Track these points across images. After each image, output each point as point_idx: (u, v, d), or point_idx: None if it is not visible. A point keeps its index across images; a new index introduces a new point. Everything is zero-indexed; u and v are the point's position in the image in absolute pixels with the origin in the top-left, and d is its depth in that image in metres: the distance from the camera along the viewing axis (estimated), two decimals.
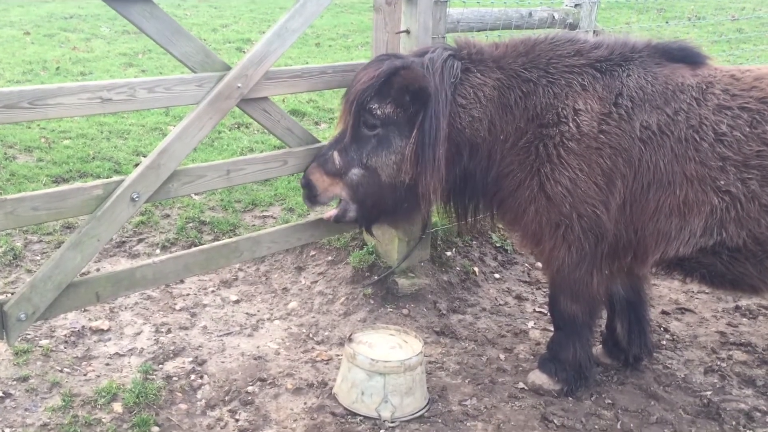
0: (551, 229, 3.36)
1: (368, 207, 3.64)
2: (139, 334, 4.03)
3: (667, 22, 12.37)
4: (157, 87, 3.18)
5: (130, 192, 3.21)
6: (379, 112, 3.42)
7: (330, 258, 4.77)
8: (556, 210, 3.30)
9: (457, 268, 4.81)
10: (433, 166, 3.33)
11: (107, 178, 5.63)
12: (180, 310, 4.31)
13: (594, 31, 5.52)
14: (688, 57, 3.33)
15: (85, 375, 3.63)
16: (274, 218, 5.42)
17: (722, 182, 3.09)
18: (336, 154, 3.56)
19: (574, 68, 3.35)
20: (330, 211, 3.81)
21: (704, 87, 3.20)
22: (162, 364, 3.77)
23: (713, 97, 3.17)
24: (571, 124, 3.25)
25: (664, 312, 4.65)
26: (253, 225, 5.30)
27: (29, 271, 4.48)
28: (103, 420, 3.29)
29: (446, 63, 3.38)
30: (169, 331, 4.08)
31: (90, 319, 4.09)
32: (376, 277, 4.48)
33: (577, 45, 3.43)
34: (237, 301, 4.47)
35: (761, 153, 3.05)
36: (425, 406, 3.55)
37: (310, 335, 4.15)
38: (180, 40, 3.26)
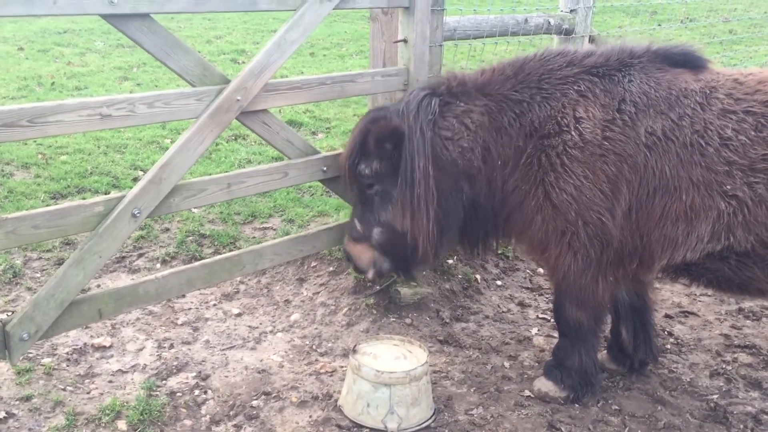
0: (557, 237, 3.35)
1: (398, 258, 3.70)
2: (141, 350, 4.00)
3: (659, 25, 12.40)
4: (157, 102, 3.16)
5: (132, 208, 3.18)
6: (367, 171, 3.53)
7: (331, 269, 4.74)
8: (562, 218, 3.30)
9: (459, 276, 4.79)
10: (413, 206, 3.35)
11: (106, 193, 5.63)
12: (182, 324, 4.28)
13: (590, 36, 5.53)
14: (689, 61, 3.33)
15: (88, 393, 3.60)
16: (274, 230, 5.40)
17: (729, 187, 3.08)
18: (356, 222, 3.69)
19: (568, 78, 3.35)
20: (370, 273, 3.79)
21: (708, 91, 3.20)
22: (165, 379, 3.74)
23: (717, 102, 3.17)
24: (573, 133, 3.24)
25: (667, 316, 4.64)
26: (253, 237, 5.27)
27: (29, 289, 4.45)
28: None
29: (422, 102, 3.41)
30: (171, 346, 4.04)
31: (92, 336, 4.06)
32: (378, 287, 4.46)
33: (568, 56, 3.45)
34: (239, 314, 4.44)
35: (767, 156, 3.04)
36: (431, 416, 3.53)
37: (314, 347, 4.12)
38: (178, 54, 3.24)
